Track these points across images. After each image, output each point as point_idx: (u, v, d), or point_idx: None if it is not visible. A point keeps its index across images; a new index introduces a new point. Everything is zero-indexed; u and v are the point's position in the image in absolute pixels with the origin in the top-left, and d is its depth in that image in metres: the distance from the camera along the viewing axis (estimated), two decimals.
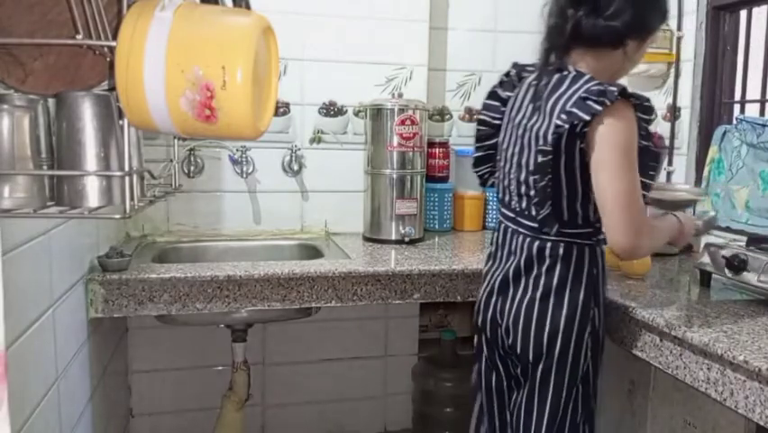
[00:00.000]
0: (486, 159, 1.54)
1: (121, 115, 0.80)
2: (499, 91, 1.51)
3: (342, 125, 2.35)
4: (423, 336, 2.60)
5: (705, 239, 1.97)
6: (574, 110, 1.24)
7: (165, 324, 2.01)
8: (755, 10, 1.97)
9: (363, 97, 2.31)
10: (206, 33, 0.76)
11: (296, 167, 2.31)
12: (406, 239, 2.18)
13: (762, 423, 1.11)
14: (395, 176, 2.20)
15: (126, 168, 0.82)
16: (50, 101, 0.85)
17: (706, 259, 1.61)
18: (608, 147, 1.24)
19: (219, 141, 2.15)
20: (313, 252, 2.17)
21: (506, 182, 1.44)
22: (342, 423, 2.52)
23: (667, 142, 2.20)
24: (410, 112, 2.18)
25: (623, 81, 2.38)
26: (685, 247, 2.04)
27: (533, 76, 1.42)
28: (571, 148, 1.27)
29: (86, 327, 1.65)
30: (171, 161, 1.30)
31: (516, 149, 1.40)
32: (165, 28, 0.74)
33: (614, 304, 1.48)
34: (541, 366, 1.38)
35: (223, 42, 0.75)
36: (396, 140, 2.18)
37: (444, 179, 2.42)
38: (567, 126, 1.25)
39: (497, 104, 1.50)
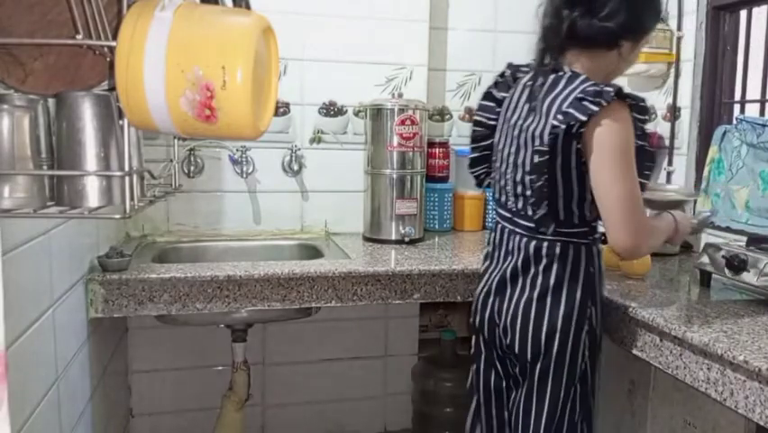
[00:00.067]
0: (482, 159, 1.55)
1: (121, 115, 0.80)
2: (494, 92, 1.51)
3: (342, 125, 2.35)
4: (423, 336, 2.60)
5: (705, 239, 1.98)
6: (571, 111, 1.25)
7: (165, 324, 2.01)
8: (755, 10, 1.97)
9: (363, 97, 2.31)
10: (206, 33, 0.76)
11: (296, 167, 2.31)
12: (406, 239, 2.18)
13: (762, 423, 1.11)
14: (395, 176, 2.21)
15: (126, 168, 0.82)
16: (50, 101, 0.85)
17: (706, 259, 1.61)
18: (607, 150, 1.25)
19: (219, 141, 2.15)
20: (313, 252, 2.17)
21: (502, 183, 1.45)
22: (342, 423, 2.52)
23: (667, 142, 2.20)
24: (410, 112, 2.18)
25: (623, 81, 2.40)
26: (685, 247, 2.04)
27: (528, 76, 1.42)
28: (567, 148, 1.27)
29: (86, 326, 1.65)
30: (171, 161, 1.30)
31: (513, 149, 1.40)
32: (165, 28, 0.74)
33: (614, 304, 1.48)
34: (539, 365, 1.38)
35: (223, 42, 0.75)
36: (396, 140, 2.18)
37: (444, 179, 2.42)
38: (563, 127, 1.25)
39: (492, 104, 1.51)
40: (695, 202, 2.06)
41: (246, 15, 0.82)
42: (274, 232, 2.33)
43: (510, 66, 1.51)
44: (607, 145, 1.25)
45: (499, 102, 1.49)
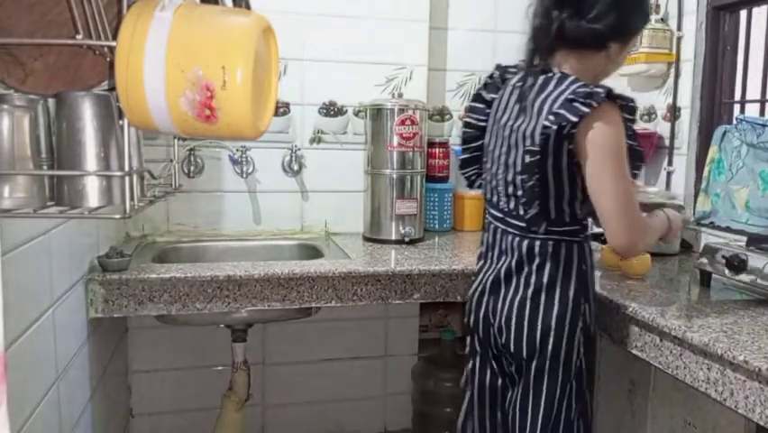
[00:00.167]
0: (472, 160, 1.57)
1: (121, 115, 0.80)
2: (484, 93, 1.53)
3: (342, 125, 2.35)
4: (423, 336, 2.60)
5: (705, 239, 1.98)
6: (562, 111, 1.26)
7: (165, 324, 2.01)
8: (755, 10, 1.97)
9: (363, 97, 2.31)
10: (206, 33, 0.76)
11: (296, 167, 2.31)
12: (406, 239, 2.18)
13: (762, 423, 1.11)
14: (395, 176, 2.21)
15: (126, 168, 0.82)
16: (50, 101, 0.85)
17: (706, 259, 1.61)
18: (602, 152, 1.27)
19: (219, 141, 2.15)
20: (313, 252, 2.17)
21: (493, 183, 1.46)
22: (342, 423, 2.52)
23: (667, 142, 2.21)
24: (410, 112, 2.18)
25: (623, 81, 2.40)
26: (685, 247, 2.05)
27: (517, 77, 1.44)
28: (558, 148, 1.29)
29: (86, 327, 1.65)
30: (171, 161, 1.30)
31: (503, 150, 1.41)
32: (165, 28, 0.74)
33: (614, 304, 1.48)
34: (534, 363, 1.40)
35: (223, 42, 0.75)
36: (396, 140, 2.18)
37: (444, 179, 2.42)
38: (555, 127, 1.27)
39: (481, 106, 1.52)
40: (695, 202, 2.06)
41: (246, 15, 0.82)
42: (274, 232, 2.33)
43: (499, 67, 1.53)
44: (601, 147, 1.27)
45: (489, 103, 1.51)
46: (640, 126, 2.33)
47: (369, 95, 2.31)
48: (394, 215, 2.21)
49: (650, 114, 2.30)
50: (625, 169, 1.30)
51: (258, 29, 0.78)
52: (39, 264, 1.31)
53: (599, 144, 1.27)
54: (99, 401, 1.76)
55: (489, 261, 1.49)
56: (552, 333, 1.37)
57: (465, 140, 1.57)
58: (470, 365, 1.58)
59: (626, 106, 1.32)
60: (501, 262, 1.45)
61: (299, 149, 2.31)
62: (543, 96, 1.33)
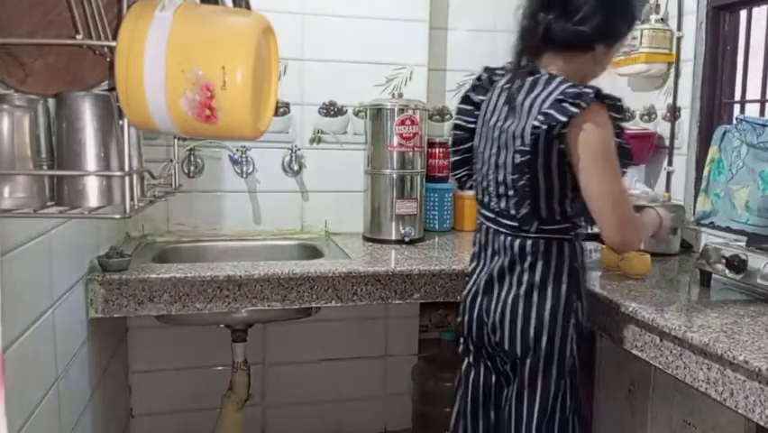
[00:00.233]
0: (463, 162, 1.58)
1: (121, 115, 0.80)
2: (472, 95, 1.54)
3: (342, 125, 2.35)
4: (423, 336, 2.60)
5: (705, 239, 1.98)
6: (551, 112, 1.28)
7: (165, 324, 2.01)
8: (755, 10, 1.97)
9: (363, 97, 2.31)
10: (206, 33, 0.76)
11: (296, 167, 2.31)
12: (406, 239, 2.18)
13: (762, 423, 1.11)
14: (395, 176, 2.21)
15: (126, 168, 0.82)
16: (50, 101, 0.85)
17: (706, 259, 1.61)
18: (593, 152, 1.30)
19: (219, 141, 2.15)
20: (313, 252, 2.17)
21: (484, 184, 1.48)
22: (342, 423, 2.52)
23: (667, 143, 2.21)
24: (410, 112, 2.18)
25: (623, 81, 2.40)
26: (685, 247, 2.05)
27: (505, 79, 1.46)
28: (548, 148, 1.31)
29: (86, 327, 1.65)
30: (171, 161, 1.30)
31: (494, 150, 1.43)
32: (165, 28, 0.74)
33: (614, 304, 1.48)
34: (529, 361, 1.41)
35: (223, 42, 0.75)
36: (396, 140, 2.18)
37: (444, 179, 2.42)
38: (545, 127, 1.28)
39: (470, 108, 1.54)
40: (695, 202, 2.06)
41: (246, 15, 0.82)
42: (274, 232, 2.33)
43: (486, 69, 1.54)
44: (591, 147, 1.29)
45: (477, 105, 1.52)
46: (640, 126, 2.33)
47: (369, 95, 2.31)
48: (394, 215, 2.21)
49: (650, 114, 2.30)
50: (615, 167, 1.32)
51: (258, 29, 0.78)
52: (39, 264, 1.31)
53: (590, 144, 1.29)
54: (99, 401, 1.76)
55: (481, 261, 1.51)
56: (545, 330, 1.39)
57: (455, 142, 1.59)
58: (463, 365, 1.59)
59: (613, 105, 1.34)
60: (494, 262, 1.46)
61: (299, 149, 2.31)
62: (531, 96, 1.34)
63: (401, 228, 2.20)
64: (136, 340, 2.27)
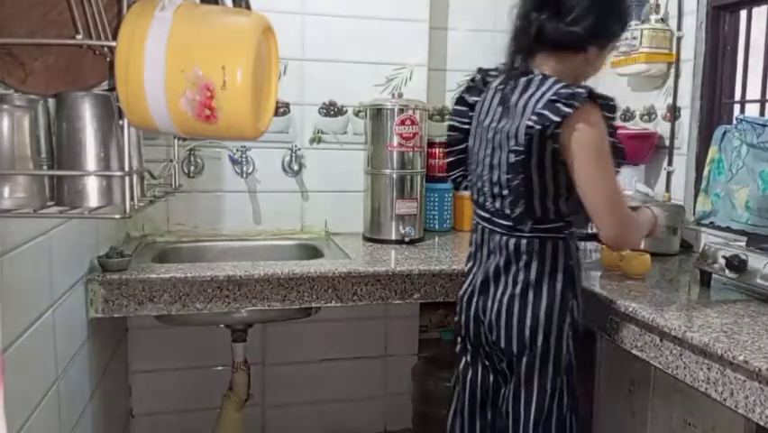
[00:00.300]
0: (458, 163, 1.59)
1: (121, 115, 0.80)
2: (466, 96, 1.55)
3: (342, 125, 2.35)
4: (423, 336, 2.60)
5: (705, 239, 1.98)
6: (545, 112, 1.29)
7: (165, 324, 2.01)
8: (755, 10, 1.97)
9: (363, 97, 2.32)
10: (206, 33, 0.76)
11: (296, 167, 2.31)
12: (406, 239, 2.18)
13: (762, 423, 1.11)
14: (395, 176, 2.21)
15: (126, 168, 0.82)
16: (50, 101, 0.85)
17: (706, 259, 1.61)
18: (587, 151, 1.31)
19: (219, 141, 2.15)
20: (313, 252, 2.17)
21: (479, 184, 1.49)
22: (342, 423, 2.52)
23: (667, 142, 2.21)
24: (410, 112, 2.18)
25: (623, 81, 2.40)
26: (685, 247, 2.04)
27: (499, 80, 1.47)
28: (542, 148, 1.31)
29: (86, 327, 1.65)
30: (171, 161, 1.30)
31: (488, 151, 1.44)
32: (165, 28, 0.74)
33: (614, 304, 1.48)
34: (525, 359, 1.42)
35: (223, 42, 0.75)
36: (396, 140, 2.18)
37: (444, 179, 2.41)
38: (538, 127, 1.29)
39: (465, 109, 1.55)
40: (695, 202, 2.06)
41: (246, 15, 0.82)
42: (274, 232, 2.33)
43: (480, 70, 1.56)
44: (586, 147, 1.30)
45: (472, 106, 1.53)
46: (640, 126, 2.33)
47: (369, 95, 2.31)
48: (394, 215, 2.21)
49: (650, 114, 2.30)
50: (610, 166, 1.34)
51: (258, 29, 0.78)
52: (39, 264, 1.31)
53: (584, 144, 1.30)
54: (99, 401, 1.76)
55: (477, 261, 1.52)
56: (540, 328, 1.40)
57: (450, 143, 1.60)
58: (461, 364, 1.60)
59: (606, 105, 1.35)
60: (490, 262, 1.47)
61: (299, 149, 2.31)
62: (525, 96, 1.35)
63: (401, 228, 2.20)
64: (136, 340, 2.27)
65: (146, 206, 0.95)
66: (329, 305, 1.81)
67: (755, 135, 1.83)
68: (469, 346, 1.56)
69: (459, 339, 1.60)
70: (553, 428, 1.43)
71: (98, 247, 1.79)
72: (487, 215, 1.48)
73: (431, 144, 2.37)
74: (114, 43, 0.76)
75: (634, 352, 1.45)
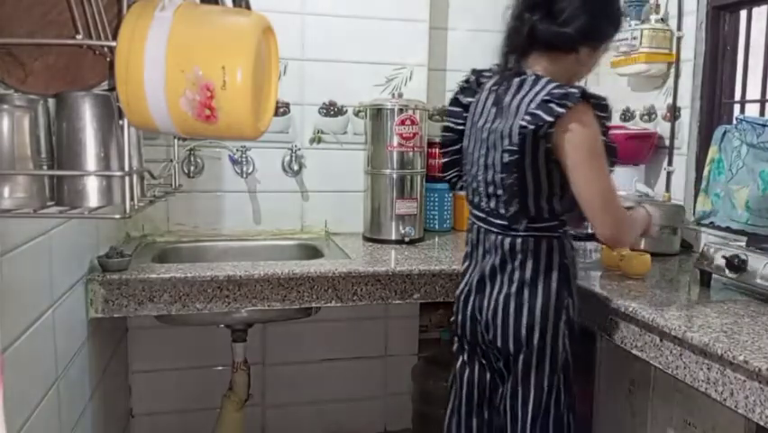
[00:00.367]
0: (453, 164, 1.61)
1: (121, 115, 0.80)
2: (461, 97, 1.57)
3: (342, 125, 2.35)
4: (423, 336, 2.60)
5: (705, 239, 1.98)
6: (538, 112, 1.30)
7: (165, 324, 2.01)
8: (755, 10, 1.97)
9: (363, 97, 2.31)
10: (206, 33, 0.76)
11: (296, 167, 2.31)
12: (406, 239, 2.18)
13: (762, 423, 1.11)
14: (395, 176, 2.21)
15: (126, 168, 0.82)
16: (50, 101, 0.85)
17: (706, 259, 1.61)
18: (580, 151, 1.32)
19: (219, 141, 2.15)
20: (313, 252, 2.17)
21: (474, 184, 1.50)
22: (342, 423, 2.52)
23: (667, 142, 2.21)
24: (410, 112, 2.18)
25: (623, 81, 2.40)
26: (685, 247, 2.04)
27: (492, 81, 1.48)
28: (535, 147, 1.33)
29: (86, 327, 1.65)
30: (171, 161, 1.30)
31: (482, 151, 1.45)
32: (165, 28, 0.74)
33: (614, 304, 1.48)
34: (522, 357, 1.43)
35: (223, 42, 0.75)
36: (396, 140, 2.18)
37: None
38: (532, 127, 1.30)
39: (459, 110, 1.56)
40: (695, 202, 2.06)
41: (246, 15, 0.82)
42: (274, 232, 2.33)
43: (474, 71, 1.57)
44: (579, 146, 1.32)
45: (466, 107, 1.54)
46: (640, 126, 2.33)
47: (369, 95, 2.31)
48: (394, 215, 2.21)
49: (650, 114, 2.30)
50: (604, 165, 1.35)
51: (258, 29, 0.78)
52: (39, 264, 1.31)
53: (577, 144, 1.31)
54: (99, 401, 1.76)
55: (473, 260, 1.53)
56: (536, 326, 1.41)
57: (444, 144, 1.61)
58: (458, 363, 1.61)
59: (599, 105, 1.36)
60: (485, 261, 1.48)
61: (299, 149, 2.31)
62: (519, 97, 1.36)
63: (401, 228, 2.20)
64: (136, 340, 2.27)
65: (146, 206, 0.95)
66: (329, 305, 1.81)
67: (755, 135, 1.83)
68: (465, 345, 1.57)
69: (456, 338, 1.61)
70: (550, 425, 1.44)
71: (98, 247, 1.79)
72: (482, 214, 1.49)
73: (431, 144, 2.37)
74: (114, 43, 0.76)
75: (634, 352, 1.45)
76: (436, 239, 2.32)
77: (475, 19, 2.51)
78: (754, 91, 1.98)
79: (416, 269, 1.83)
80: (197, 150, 2.21)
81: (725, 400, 1.18)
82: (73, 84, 0.83)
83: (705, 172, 2.01)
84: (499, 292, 1.45)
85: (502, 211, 1.42)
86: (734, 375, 1.16)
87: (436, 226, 2.42)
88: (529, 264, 1.42)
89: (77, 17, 0.79)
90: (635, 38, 2.15)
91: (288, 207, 2.33)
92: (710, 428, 1.70)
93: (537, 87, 1.33)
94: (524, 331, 1.41)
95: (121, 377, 2.17)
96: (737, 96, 2.04)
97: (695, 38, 2.09)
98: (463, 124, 1.54)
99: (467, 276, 1.55)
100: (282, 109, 2.29)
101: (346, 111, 2.35)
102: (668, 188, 2.20)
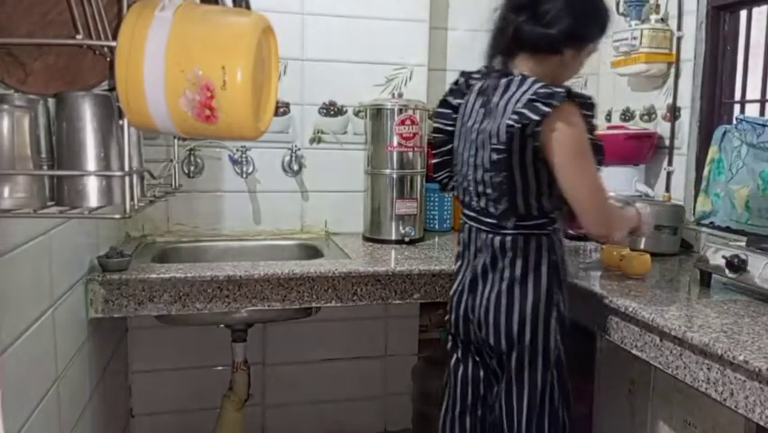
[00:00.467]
0: (443, 165, 1.63)
1: (121, 115, 0.80)
2: (450, 99, 1.59)
3: (342, 125, 2.35)
4: (423, 336, 2.60)
5: (705, 239, 1.98)
6: (524, 111, 1.31)
7: (165, 324, 2.01)
8: (755, 10, 1.97)
9: (363, 97, 2.31)
10: (206, 33, 0.76)
11: (296, 167, 2.31)
12: (406, 239, 2.18)
13: (762, 423, 1.11)
14: (395, 176, 2.21)
15: (126, 168, 0.82)
16: (50, 101, 0.85)
17: (706, 259, 1.61)
18: (567, 149, 1.34)
19: (219, 141, 2.15)
20: (313, 252, 2.17)
21: (465, 184, 1.51)
22: (342, 423, 2.52)
23: (667, 142, 2.21)
24: (410, 112, 2.18)
25: (623, 81, 2.40)
26: (685, 247, 2.04)
27: (481, 82, 1.50)
28: (522, 146, 1.34)
29: (86, 327, 1.65)
30: (171, 161, 1.30)
31: (472, 151, 1.47)
32: (165, 28, 0.74)
33: (614, 304, 1.48)
34: (514, 354, 1.45)
35: (223, 42, 0.75)
36: (396, 140, 2.18)
37: None
38: (518, 126, 1.32)
39: (448, 111, 1.58)
40: (695, 202, 2.06)
41: (246, 15, 0.82)
42: (274, 232, 2.33)
43: (463, 73, 1.59)
44: (566, 144, 1.34)
45: (455, 108, 1.56)
46: (640, 126, 2.33)
47: (369, 95, 2.31)
48: (394, 215, 2.21)
49: (650, 114, 2.30)
50: (590, 162, 1.37)
51: (258, 29, 0.78)
52: (39, 264, 1.31)
53: (563, 142, 1.33)
54: (99, 401, 1.76)
55: (466, 259, 1.55)
56: (527, 323, 1.43)
57: (435, 145, 1.63)
58: (452, 361, 1.62)
59: (584, 104, 1.38)
60: (477, 260, 1.50)
61: (299, 149, 2.31)
62: (506, 97, 1.38)
63: (401, 228, 2.20)
64: (136, 340, 2.27)
65: (146, 206, 0.95)
66: (329, 305, 1.81)
67: (755, 135, 1.83)
68: (459, 344, 1.59)
69: (450, 337, 1.62)
70: (545, 422, 1.46)
71: (98, 247, 1.78)
72: (473, 214, 1.51)
73: (431, 144, 2.37)
74: (114, 43, 0.76)
75: (634, 352, 1.45)
76: (436, 239, 2.32)
77: (475, 19, 2.51)
78: (754, 91, 1.98)
79: (415, 269, 1.83)
80: (197, 150, 2.21)
81: (725, 400, 1.18)
82: (73, 84, 0.83)
83: (705, 172, 2.01)
84: (491, 291, 1.46)
85: (492, 210, 1.44)
86: (734, 375, 1.16)
87: (436, 226, 2.42)
88: (519, 262, 1.43)
89: (77, 17, 0.79)
90: (635, 38, 2.15)
91: (287, 206, 2.33)
92: (710, 428, 1.70)
93: (524, 87, 1.35)
94: (515, 329, 1.43)
95: (121, 377, 2.17)
96: (737, 96, 2.04)
97: (695, 38, 2.09)
98: (453, 126, 1.56)
99: (460, 275, 1.57)
100: (282, 109, 2.29)
101: (346, 111, 2.35)
102: (668, 188, 2.20)
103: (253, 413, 2.37)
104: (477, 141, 1.44)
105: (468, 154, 1.48)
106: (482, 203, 1.46)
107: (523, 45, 1.40)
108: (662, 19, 2.17)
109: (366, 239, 2.26)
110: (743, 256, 1.50)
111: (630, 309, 1.43)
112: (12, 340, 1.12)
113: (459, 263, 1.58)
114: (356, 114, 2.35)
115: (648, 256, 1.73)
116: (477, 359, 1.57)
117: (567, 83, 1.42)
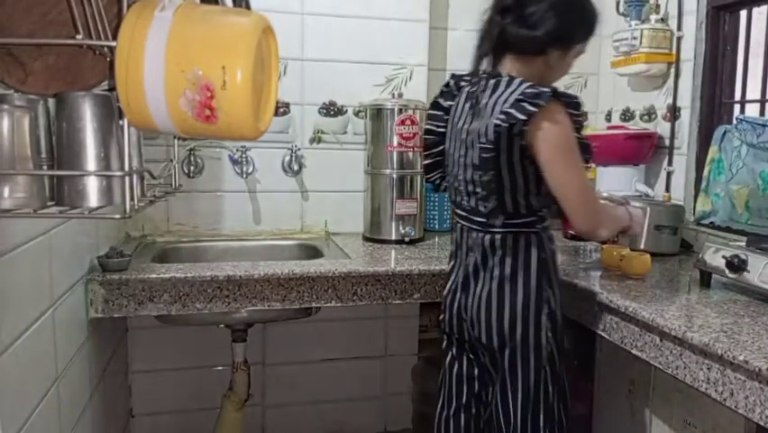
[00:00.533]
0: (435, 165, 1.64)
1: (121, 115, 0.80)
2: (441, 101, 1.61)
3: (342, 125, 2.35)
4: (423, 336, 2.60)
5: (705, 239, 1.97)
6: (511, 111, 1.33)
7: (165, 324, 2.01)
8: (755, 10, 1.97)
9: (363, 97, 2.31)
10: (206, 33, 0.76)
11: (296, 167, 2.31)
12: (406, 239, 2.18)
13: (762, 423, 1.11)
14: (395, 176, 2.21)
15: (126, 168, 0.82)
16: (50, 101, 0.85)
17: (706, 259, 1.61)
18: (554, 148, 1.35)
19: (219, 141, 2.15)
20: (313, 252, 2.17)
21: (456, 184, 1.53)
22: (342, 423, 2.52)
23: (667, 142, 2.21)
24: (410, 112, 2.18)
25: (623, 81, 2.40)
26: (685, 247, 2.04)
27: (470, 84, 1.51)
28: (510, 145, 1.36)
29: (86, 327, 1.65)
30: (171, 161, 1.30)
31: (462, 151, 1.48)
32: (165, 28, 0.74)
33: (613, 304, 1.48)
34: (507, 352, 1.46)
35: (223, 42, 0.75)
36: (396, 140, 2.18)
37: None
38: (505, 125, 1.33)
39: (439, 113, 1.60)
40: (695, 202, 2.06)
41: (246, 15, 0.82)
42: (274, 232, 2.33)
43: (453, 76, 1.61)
44: (553, 143, 1.35)
45: (447, 110, 1.58)
46: (640, 126, 2.33)
47: (369, 95, 2.31)
48: (394, 215, 2.21)
49: (650, 114, 2.30)
50: (577, 160, 1.38)
51: (258, 29, 0.78)
52: (39, 264, 1.31)
53: (550, 140, 1.35)
54: (99, 401, 1.76)
55: (458, 259, 1.56)
56: (518, 321, 1.44)
57: (427, 146, 1.64)
58: (447, 359, 1.63)
59: (571, 103, 1.38)
60: (469, 259, 1.52)
61: (299, 149, 2.31)
62: (494, 97, 1.39)
63: (401, 228, 2.20)
64: (136, 340, 2.26)
65: (146, 206, 0.95)
66: (329, 305, 1.81)
67: (755, 135, 1.83)
68: (454, 342, 1.60)
69: (444, 336, 1.63)
70: (540, 418, 1.46)
71: (98, 247, 1.79)
72: (464, 213, 1.52)
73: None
74: (114, 43, 0.76)
75: (634, 352, 1.45)
76: (436, 239, 2.32)
77: (475, 19, 2.50)
78: (754, 91, 1.98)
79: (415, 269, 1.83)
80: (197, 150, 2.21)
81: (725, 400, 1.18)
82: (73, 84, 0.83)
83: (705, 172, 2.01)
84: (482, 289, 1.47)
85: (481, 209, 1.45)
86: (734, 375, 1.16)
87: (436, 226, 2.42)
88: (508, 261, 1.45)
89: (77, 17, 0.79)
90: (635, 38, 2.15)
91: (287, 206, 2.33)
92: (710, 428, 1.70)
93: (511, 88, 1.37)
94: (506, 326, 1.44)
95: (121, 377, 2.17)
96: (737, 96, 2.04)
97: (695, 38, 2.09)
98: (444, 127, 1.58)
99: (453, 275, 1.58)
100: (282, 109, 2.29)
101: (346, 111, 2.35)
102: (668, 189, 2.20)
103: (253, 413, 2.37)
104: (466, 141, 1.46)
105: (458, 154, 1.50)
106: (472, 202, 1.48)
107: (508, 47, 1.42)
108: (662, 19, 2.17)
109: (366, 239, 2.26)
110: (743, 256, 1.50)
111: (630, 309, 1.43)
112: (12, 340, 1.12)
113: (452, 263, 1.60)
114: (356, 114, 2.35)
115: (648, 256, 1.73)
116: (471, 357, 1.58)
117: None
